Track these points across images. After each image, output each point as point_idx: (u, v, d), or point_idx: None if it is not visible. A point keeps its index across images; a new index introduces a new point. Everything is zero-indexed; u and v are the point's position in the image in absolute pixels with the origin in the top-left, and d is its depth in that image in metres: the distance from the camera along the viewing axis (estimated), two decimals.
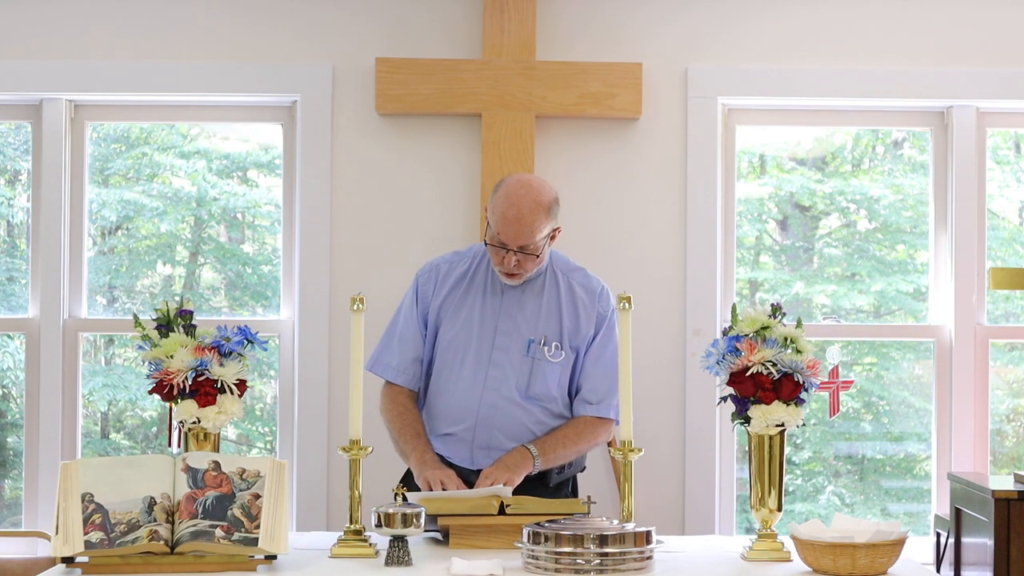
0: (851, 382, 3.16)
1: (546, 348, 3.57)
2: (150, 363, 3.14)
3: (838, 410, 3.15)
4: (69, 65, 4.58)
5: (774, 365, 2.99)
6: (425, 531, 3.04)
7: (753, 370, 2.98)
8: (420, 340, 3.64)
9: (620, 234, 4.62)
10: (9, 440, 4.88)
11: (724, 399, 3.08)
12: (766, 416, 2.99)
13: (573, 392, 3.65)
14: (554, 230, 3.54)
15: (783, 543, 3.00)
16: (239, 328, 3.18)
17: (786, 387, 2.99)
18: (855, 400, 5.07)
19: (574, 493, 3.73)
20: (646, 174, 4.64)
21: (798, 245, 5.16)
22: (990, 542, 3.87)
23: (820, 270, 5.07)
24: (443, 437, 3.60)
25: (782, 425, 3.00)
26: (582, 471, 3.77)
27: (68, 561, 2.78)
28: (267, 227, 5.00)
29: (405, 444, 3.57)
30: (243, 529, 2.82)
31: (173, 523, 2.83)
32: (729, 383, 3.04)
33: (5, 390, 4.90)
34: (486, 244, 3.54)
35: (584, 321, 3.62)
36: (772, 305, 3.07)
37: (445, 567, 2.80)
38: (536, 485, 3.53)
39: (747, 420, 3.02)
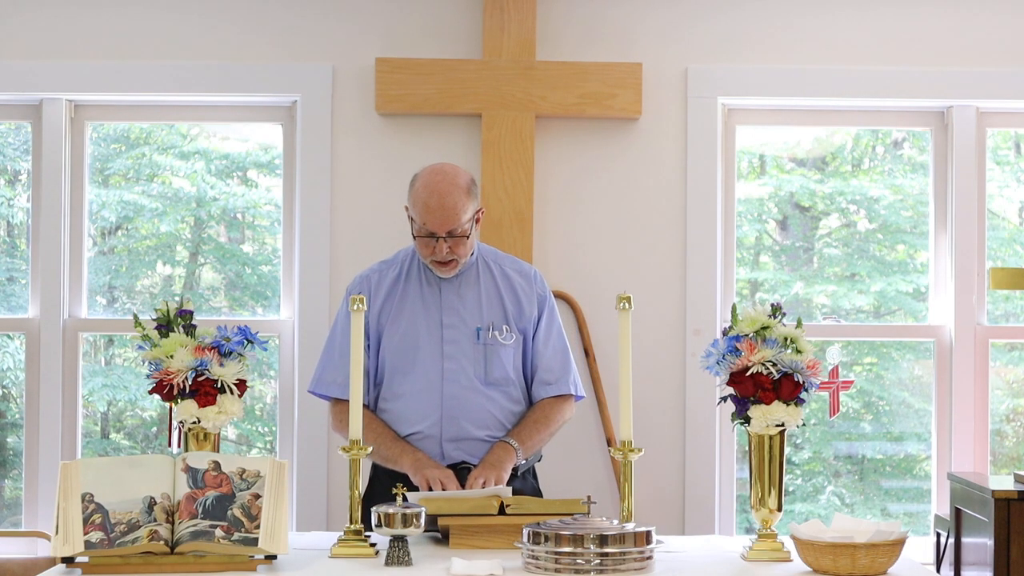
0: (851, 382, 3.16)
1: (497, 332, 3.62)
2: (150, 363, 3.14)
3: (838, 410, 3.15)
4: (69, 65, 4.58)
5: (774, 365, 2.98)
6: (425, 531, 3.04)
7: (753, 370, 2.98)
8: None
9: (620, 234, 4.63)
10: (9, 440, 4.88)
11: (724, 399, 3.08)
12: (766, 416, 2.98)
13: (528, 376, 3.69)
14: (477, 211, 3.59)
15: (783, 543, 2.99)
16: (239, 328, 3.18)
17: (786, 387, 2.99)
18: (855, 400, 5.07)
19: (536, 481, 3.77)
20: (646, 174, 4.64)
21: (798, 245, 5.16)
22: (990, 542, 3.87)
23: (820, 270, 5.07)
24: (408, 438, 3.60)
25: (782, 425, 3.00)
26: (539, 461, 3.81)
27: (68, 561, 2.78)
28: (267, 227, 5.00)
29: (389, 450, 3.57)
30: (243, 529, 2.82)
31: (173, 523, 2.83)
32: (729, 383, 3.04)
33: (5, 390, 4.90)
34: (414, 238, 3.57)
35: (526, 303, 3.68)
36: (772, 305, 3.07)
37: (445, 567, 2.80)
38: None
39: (747, 420, 3.02)
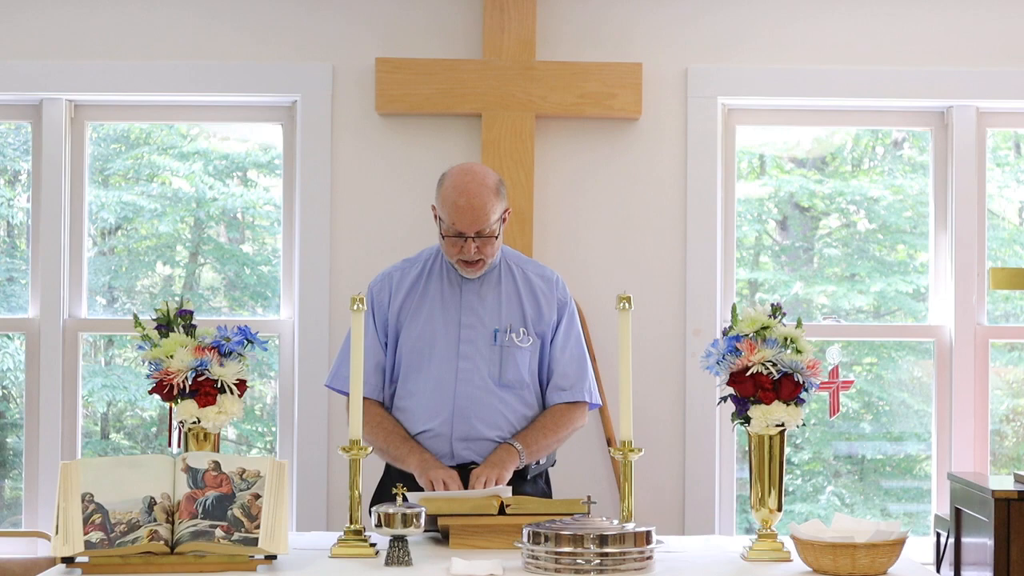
0: (851, 382, 3.16)
1: (514, 335, 3.62)
2: (150, 363, 3.14)
3: (838, 410, 3.15)
4: (69, 65, 4.58)
5: (774, 365, 2.98)
6: (425, 531, 3.04)
7: (753, 370, 2.98)
8: (379, 348, 3.66)
9: (620, 234, 4.63)
10: (9, 440, 4.88)
11: (724, 399, 3.08)
12: (766, 416, 2.98)
13: (544, 380, 3.70)
14: (505, 211, 3.60)
15: (783, 543, 3.00)
16: (239, 328, 3.18)
17: (786, 387, 2.99)
18: (855, 400, 5.07)
19: (548, 486, 3.77)
20: (646, 174, 4.64)
21: (798, 245, 5.16)
22: (990, 542, 3.87)
23: (820, 270, 5.07)
24: (420, 435, 3.61)
25: (782, 425, 3.00)
26: (552, 465, 3.80)
27: (68, 561, 2.78)
28: (267, 227, 5.00)
29: (397, 450, 3.58)
30: (243, 529, 2.82)
31: (173, 523, 2.83)
32: (729, 383, 3.04)
33: (5, 390, 4.90)
34: (442, 238, 3.58)
35: (546, 308, 3.68)
36: (772, 305, 3.07)
37: (445, 567, 2.80)
38: (514, 477, 3.56)
39: (747, 420, 3.02)
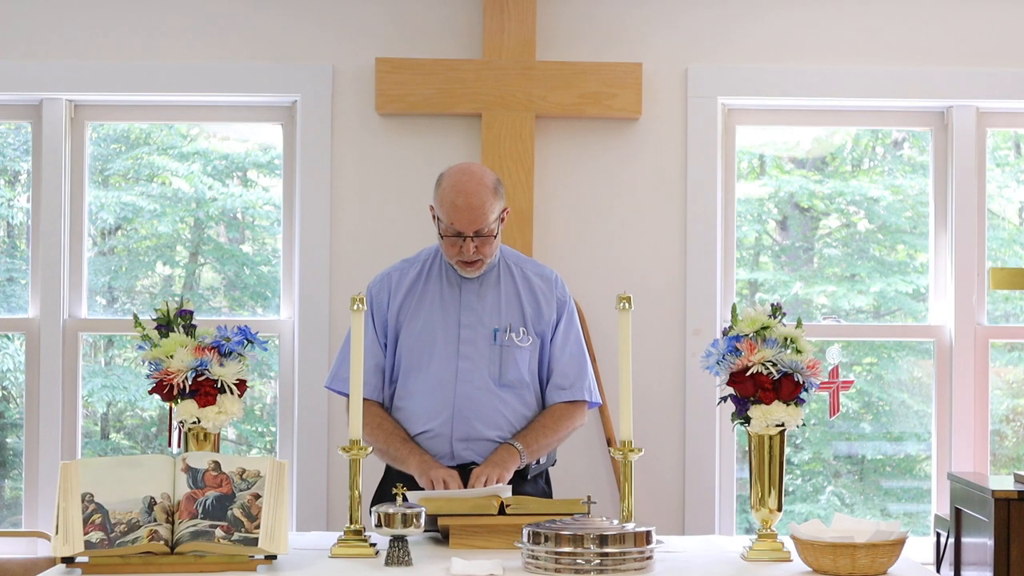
0: (851, 382, 3.16)
1: (514, 334, 3.62)
2: (150, 363, 3.14)
3: (838, 410, 3.15)
4: (69, 65, 4.58)
5: (774, 365, 2.98)
6: (425, 531, 3.04)
7: (753, 370, 2.98)
8: (378, 349, 3.66)
9: (620, 234, 4.63)
10: (9, 440, 4.88)
11: (724, 399, 3.08)
12: (766, 416, 2.99)
13: (543, 380, 3.70)
14: (503, 211, 3.61)
15: (783, 543, 3.00)
16: (239, 328, 3.18)
17: (786, 387, 2.99)
18: (855, 401, 5.07)
19: (548, 486, 3.77)
20: (646, 174, 4.64)
21: (798, 245, 5.16)
22: (990, 542, 3.87)
23: (820, 270, 5.07)
24: (420, 436, 3.61)
25: (782, 425, 3.00)
26: (552, 465, 3.80)
27: (68, 561, 2.78)
28: (267, 227, 5.00)
29: (397, 451, 3.58)
30: (243, 529, 2.82)
31: (173, 523, 2.83)
32: (729, 383, 3.04)
33: (5, 390, 4.90)
34: (441, 238, 3.59)
35: (545, 307, 3.68)
36: (772, 305, 3.07)
37: (445, 567, 2.80)
38: (514, 477, 3.56)
39: (747, 420, 3.02)
